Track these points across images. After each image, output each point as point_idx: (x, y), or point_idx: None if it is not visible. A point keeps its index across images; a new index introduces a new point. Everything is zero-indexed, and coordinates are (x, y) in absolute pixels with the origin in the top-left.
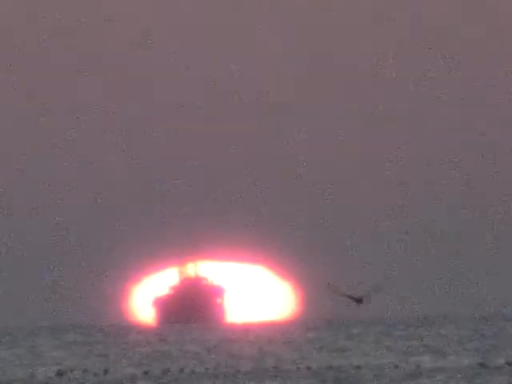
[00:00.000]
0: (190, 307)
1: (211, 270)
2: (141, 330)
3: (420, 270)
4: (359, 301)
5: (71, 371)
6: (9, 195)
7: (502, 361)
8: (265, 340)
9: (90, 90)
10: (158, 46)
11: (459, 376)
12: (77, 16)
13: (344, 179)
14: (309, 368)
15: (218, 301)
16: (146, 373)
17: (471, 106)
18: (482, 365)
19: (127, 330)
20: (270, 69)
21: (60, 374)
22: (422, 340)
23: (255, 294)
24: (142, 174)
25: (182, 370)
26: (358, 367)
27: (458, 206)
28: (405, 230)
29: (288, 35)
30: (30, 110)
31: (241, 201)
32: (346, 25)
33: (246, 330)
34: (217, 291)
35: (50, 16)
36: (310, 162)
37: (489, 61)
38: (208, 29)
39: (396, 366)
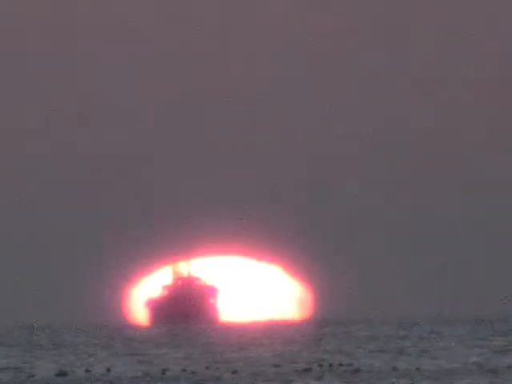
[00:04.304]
0: (183, 307)
1: (212, 268)
2: (136, 330)
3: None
4: None
5: (72, 371)
6: (7, 195)
7: None
8: (266, 340)
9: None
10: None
11: None
12: None
13: (357, 177)
14: (309, 369)
15: (211, 301)
16: (145, 373)
17: None
18: None
19: (122, 331)
20: None
21: (61, 374)
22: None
23: (268, 293)
24: (139, 172)
25: (183, 370)
26: (358, 369)
27: None
28: (413, 231)
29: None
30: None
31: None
32: None
33: (249, 330)
34: (210, 291)
35: None
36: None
37: None
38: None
39: (395, 368)
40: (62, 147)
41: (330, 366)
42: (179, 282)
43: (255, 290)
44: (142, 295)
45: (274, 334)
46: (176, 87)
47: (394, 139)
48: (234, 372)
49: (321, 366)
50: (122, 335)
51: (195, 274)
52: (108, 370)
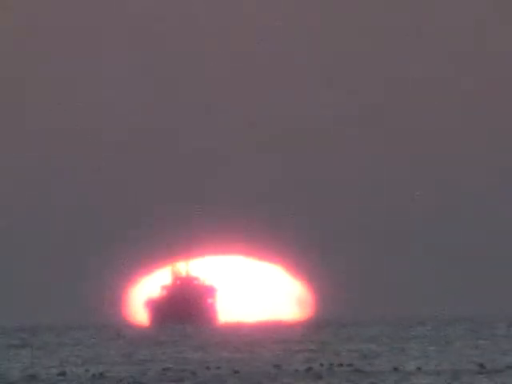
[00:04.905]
0: (181, 307)
1: (211, 268)
2: (135, 330)
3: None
4: None
5: (72, 371)
6: (7, 195)
7: None
8: (266, 340)
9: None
10: None
11: None
12: None
13: (357, 177)
14: (309, 369)
15: (210, 301)
16: (145, 373)
17: None
18: None
19: (122, 331)
20: None
21: (61, 373)
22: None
23: (268, 292)
24: (139, 172)
25: (182, 370)
26: (359, 370)
27: None
28: (413, 231)
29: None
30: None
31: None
32: None
33: (249, 330)
34: (208, 291)
35: None
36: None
37: None
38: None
39: (396, 369)
40: (62, 147)
41: (330, 365)
42: (178, 282)
43: (255, 289)
44: (142, 295)
45: (274, 333)
46: (176, 88)
47: (394, 139)
48: (235, 372)
49: (321, 365)
50: (122, 335)
51: (194, 273)
52: (108, 369)
